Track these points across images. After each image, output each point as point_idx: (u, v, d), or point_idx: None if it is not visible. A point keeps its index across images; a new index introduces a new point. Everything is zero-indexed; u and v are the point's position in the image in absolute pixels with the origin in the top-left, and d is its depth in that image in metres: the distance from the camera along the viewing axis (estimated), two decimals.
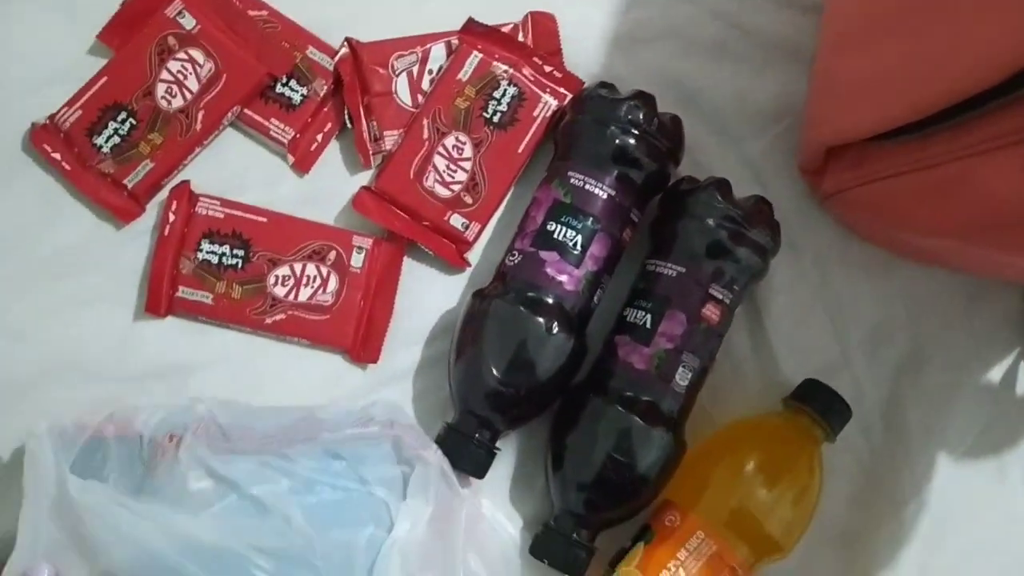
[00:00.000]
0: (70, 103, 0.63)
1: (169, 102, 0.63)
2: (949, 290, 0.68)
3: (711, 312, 0.60)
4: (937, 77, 0.50)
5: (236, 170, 0.65)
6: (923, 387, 0.67)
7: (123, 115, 0.63)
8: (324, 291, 0.63)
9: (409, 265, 0.65)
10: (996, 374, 0.68)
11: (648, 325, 0.60)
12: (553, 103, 0.66)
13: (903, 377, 0.67)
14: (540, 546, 0.60)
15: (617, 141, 0.61)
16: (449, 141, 0.65)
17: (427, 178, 0.64)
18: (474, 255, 0.66)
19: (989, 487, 0.67)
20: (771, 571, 0.62)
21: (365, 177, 0.66)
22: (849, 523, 0.65)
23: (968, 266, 0.64)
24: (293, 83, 0.65)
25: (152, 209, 0.64)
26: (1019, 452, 0.68)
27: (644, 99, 0.62)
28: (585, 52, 0.69)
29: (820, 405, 0.62)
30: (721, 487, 0.60)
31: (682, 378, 0.60)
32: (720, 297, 0.61)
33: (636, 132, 0.61)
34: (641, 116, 0.61)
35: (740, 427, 0.64)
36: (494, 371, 0.59)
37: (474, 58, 0.65)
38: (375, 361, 0.64)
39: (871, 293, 0.68)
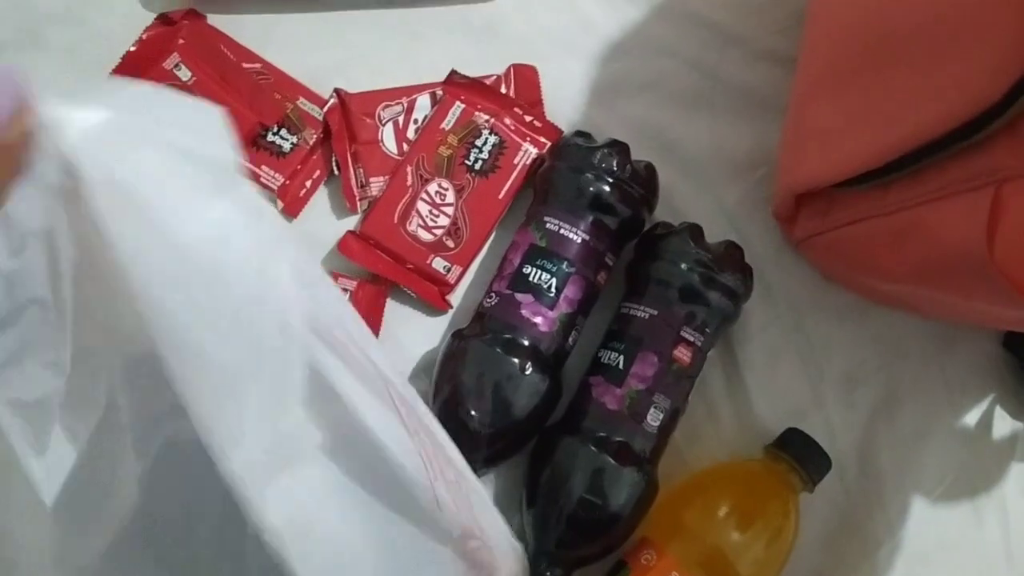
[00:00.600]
0: None
1: None
2: (922, 334, 0.70)
3: (682, 354, 0.62)
4: (894, 125, 0.52)
5: None
6: (897, 430, 0.68)
7: None
8: None
9: (392, 306, 0.67)
10: (970, 418, 0.69)
11: (620, 366, 0.62)
12: (533, 151, 0.68)
13: (876, 420, 0.68)
14: None
15: (591, 188, 0.63)
16: (432, 187, 0.67)
17: (411, 223, 0.67)
18: (455, 297, 0.68)
19: (964, 531, 0.68)
20: None
21: (351, 222, 0.68)
22: (823, 565, 0.66)
23: (935, 311, 0.65)
24: (284, 132, 0.68)
25: None
26: (995, 496, 0.68)
27: (618, 147, 0.64)
28: (566, 103, 0.71)
29: (800, 454, 0.64)
30: (697, 527, 0.61)
31: (653, 418, 0.61)
32: (692, 339, 0.62)
33: (610, 179, 0.63)
34: (615, 163, 0.63)
35: (720, 470, 0.65)
36: (471, 410, 0.61)
37: (457, 108, 0.68)
38: None
39: (845, 337, 0.69)
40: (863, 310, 0.69)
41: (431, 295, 0.67)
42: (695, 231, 0.64)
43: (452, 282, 0.67)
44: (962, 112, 0.47)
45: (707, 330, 0.63)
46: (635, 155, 0.64)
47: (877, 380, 0.69)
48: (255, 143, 0.68)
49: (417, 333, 0.67)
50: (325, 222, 0.68)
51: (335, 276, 0.66)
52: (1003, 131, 0.46)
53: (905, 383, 0.69)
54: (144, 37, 0.67)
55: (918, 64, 0.51)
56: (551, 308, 0.62)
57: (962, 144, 0.48)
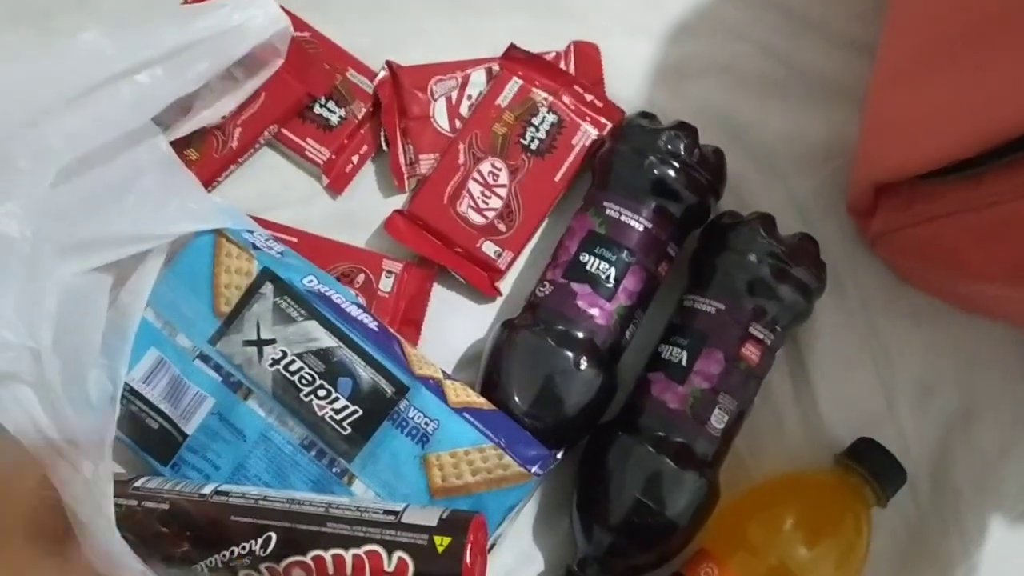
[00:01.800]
0: None
1: None
2: (1004, 344, 0.65)
3: (750, 352, 0.58)
4: (992, 112, 0.48)
5: (270, 189, 0.65)
6: (974, 445, 0.64)
7: None
8: None
9: (439, 292, 0.64)
10: None
11: (684, 363, 0.58)
12: (593, 132, 0.64)
13: (953, 433, 0.64)
14: None
15: (655, 172, 0.59)
16: (485, 167, 0.63)
17: (461, 203, 0.63)
18: (506, 284, 0.65)
19: None
20: None
21: (399, 201, 0.65)
22: None
23: (1019, 318, 0.60)
24: (331, 104, 0.65)
25: None
26: None
27: (685, 130, 0.60)
28: (629, 84, 0.67)
29: (874, 466, 0.59)
30: (762, 541, 0.57)
31: (718, 420, 0.57)
32: (761, 337, 0.58)
33: (676, 163, 0.59)
34: (682, 147, 0.59)
35: (787, 480, 0.61)
36: (520, 404, 0.57)
37: (514, 84, 0.64)
38: None
39: (920, 343, 0.65)
40: (941, 314, 0.65)
41: (480, 281, 0.63)
42: (767, 221, 0.59)
43: (503, 268, 0.63)
44: None
45: (777, 327, 0.59)
46: (701, 142, 0.60)
47: (954, 390, 0.64)
48: (302, 115, 0.64)
49: (464, 321, 0.64)
50: (371, 200, 0.65)
51: (381, 258, 0.62)
52: None
53: (985, 394, 0.64)
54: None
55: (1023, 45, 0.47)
56: (609, 300, 0.58)
57: None
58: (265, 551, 0.50)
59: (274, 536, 0.50)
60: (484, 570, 0.51)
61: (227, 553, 0.50)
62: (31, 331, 0.51)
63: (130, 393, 0.57)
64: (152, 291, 0.58)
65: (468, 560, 0.48)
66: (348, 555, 0.49)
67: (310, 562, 0.49)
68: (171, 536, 0.51)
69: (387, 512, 0.50)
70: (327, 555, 0.49)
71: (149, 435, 0.56)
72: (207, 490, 0.53)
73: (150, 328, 0.57)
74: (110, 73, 0.55)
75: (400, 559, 0.49)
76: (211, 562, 0.51)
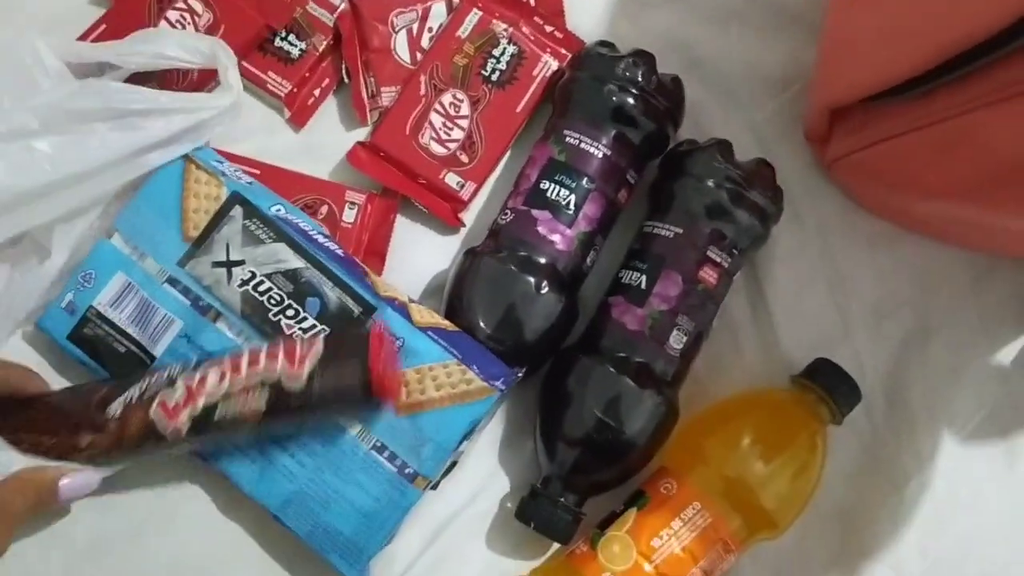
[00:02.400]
0: None
1: None
2: (957, 265, 0.66)
3: (708, 275, 0.59)
4: (941, 27, 0.49)
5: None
6: (928, 364, 0.65)
7: None
8: None
9: (402, 223, 0.64)
10: (1006, 354, 0.66)
11: (643, 286, 0.59)
12: (553, 63, 0.65)
13: (907, 353, 0.65)
14: (526, 510, 0.59)
15: (614, 99, 0.60)
16: (446, 98, 0.64)
17: (423, 135, 0.63)
18: (469, 215, 0.65)
19: (996, 471, 0.65)
20: (767, 547, 0.61)
21: (361, 133, 0.65)
22: (847, 501, 0.63)
23: (973, 237, 0.62)
24: (292, 37, 0.65)
25: None
26: None
27: (643, 57, 0.60)
28: (589, 15, 0.68)
29: (829, 385, 0.60)
30: (720, 457, 0.58)
31: (676, 341, 0.58)
32: (718, 260, 0.59)
33: (634, 90, 0.60)
34: (640, 74, 0.60)
35: (745, 398, 0.63)
36: (483, 328, 0.58)
37: (474, 15, 0.64)
38: None
39: (875, 266, 0.66)
40: (895, 238, 0.66)
41: (443, 211, 0.64)
42: (724, 147, 0.60)
43: (465, 199, 0.64)
44: (1013, 10, 0.43)
45: (734, 251, 0.60)
46: (660, 71, 0.61)
47: (908, 312, 0.66)
48: (262, 48, 0.64)
49: (428, 252, 0.64)
50: (334, 133, 0.65)
51: (344, 189, 0.63)
52: None
53: (937, 315, 0.66)
54: None
55: None
56: (569, 226, 0.59)
57: (1014, 44, 0.45)
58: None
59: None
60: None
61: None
62: None
63: (97, 317, 0.57)
64: (119, 217, 0.58)
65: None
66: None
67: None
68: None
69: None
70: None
71: (117, 358, 0.57)
72: None
73: (116, 253, 0.58)
74: None
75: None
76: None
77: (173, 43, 0.58)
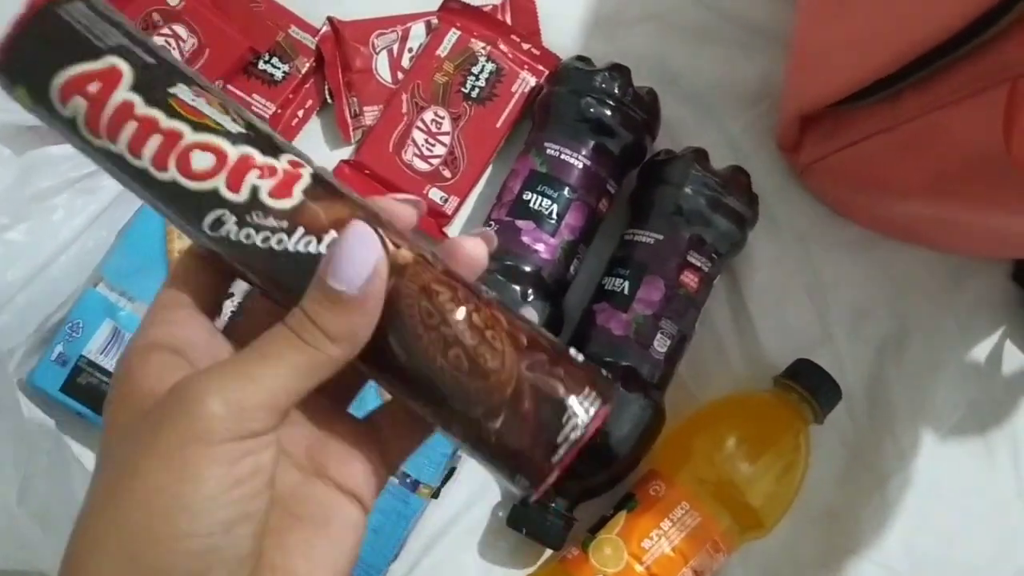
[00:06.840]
0: None
1: None
2: (932, 267, 0.68)
3: (689, 279, 0.60)
4: (904, 30, 0.51)
5: None
6: (906, 364, 0.66)
7: None
8: None
9: None
10: (981, 352, 0.68)
11: (626, 291, 0.60)
12: (531, 79, 0.66)
13: (886, 354, 0.67)
14: (518, 517, 0.59)
15: (592, 111, 0.61)
16: (428, 116, 0.65)
17: (406, 152, 0.65)
18: (453, 230, 0.66)
19: (976, 466, 0.66)
20: (756, 548, 0.61)
21: (345, 152, 0.67)
22: (833, 500, 0.64)
23: (945, 238, 0.64)
24: (275, 60, 0.66)
25: None
26: (1006, 431, 0.67)
27: (619, 70, 0.62)
28: (565, 33, 0.69)
29: (810, 384, 0.62)
30: (708, 458, 0.59)
31: (660, 344, 0.59)
32: (698, 265, 0.61)
33: (611, 102, 0.61)
34: (616, 86, 0.61)
35: (730, 401, 0.64)
36: None
37: (453, 35, 0.66)
38: None
39: (852, 270, 0.67)
40: (871, 244, 0.68)
41: (428, 227, 0.65)
42: (701, 155, 0.62)
43: (449, 213, 0.65)
44: (972, 8, 0.45)
45: (714, 256, 0.61)
46: (637, 86, 0.63)
47: (886, 314, 0.67)
48: (246, 70, 0.65)
49: None
50: (318, 152, 0.66)
51: None
52: (1016, 25, 0.44)
53: (914, 317, 0.67)
54: None
55: None
56: (552, 235, 0.61)
57: (975, 42, 0.47)
58: None
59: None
60: None
61: None
62: None
63: (89, 366, 0.58)
64: (104, 264, 0.59)
65: None
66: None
67: None
68: None
69: None
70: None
71: None
72: None
73: (103, 300, 0.58)
74: None
75: None
76: None
77: None
